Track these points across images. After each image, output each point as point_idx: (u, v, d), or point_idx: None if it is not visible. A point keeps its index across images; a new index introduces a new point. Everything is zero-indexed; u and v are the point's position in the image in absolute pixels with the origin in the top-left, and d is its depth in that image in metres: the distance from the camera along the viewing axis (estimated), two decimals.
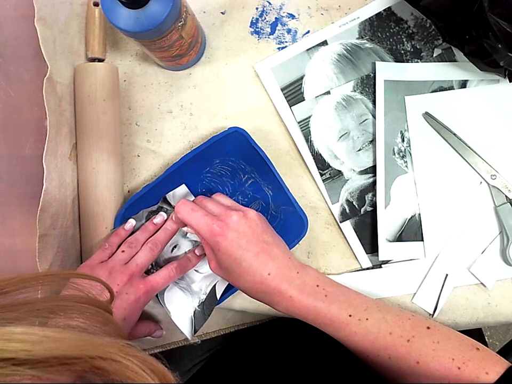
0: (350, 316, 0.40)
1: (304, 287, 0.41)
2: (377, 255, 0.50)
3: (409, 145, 0.50)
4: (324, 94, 0.52)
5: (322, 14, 0.53)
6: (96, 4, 0.52)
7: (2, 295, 0.23)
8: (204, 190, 0.52)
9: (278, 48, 0.53)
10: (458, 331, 0.41)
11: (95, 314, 0.27)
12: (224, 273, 0.43)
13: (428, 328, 0.40)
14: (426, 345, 0.38)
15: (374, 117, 0.51)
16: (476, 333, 0.61)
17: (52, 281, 0.28)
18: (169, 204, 0.51)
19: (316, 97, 0.52)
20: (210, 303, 0.49)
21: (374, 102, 0.51)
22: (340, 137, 0.52)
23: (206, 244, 0.43)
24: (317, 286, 0.41)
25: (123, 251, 0.47)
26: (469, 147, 0.49)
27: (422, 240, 0.50)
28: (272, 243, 0.42)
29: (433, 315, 0.50)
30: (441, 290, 0.50)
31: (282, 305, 0.41)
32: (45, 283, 0.27)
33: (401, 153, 0.51)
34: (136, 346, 0.23)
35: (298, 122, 0.52)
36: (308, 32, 0.53)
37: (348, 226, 0.51)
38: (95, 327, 0.26)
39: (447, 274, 0.50)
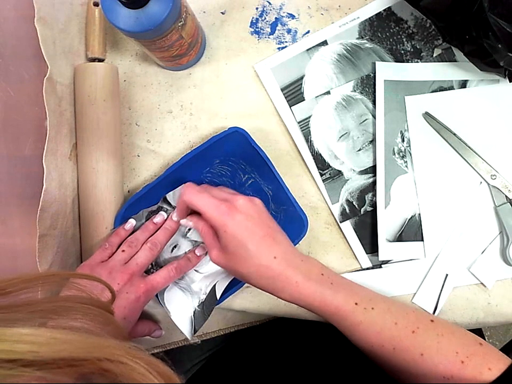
0: (356, 304, 0.39)
1: (310, 274, 0.40)
2: (377, 255, 0.50)
3: (409, 145, 0.51)
4: (324, 94, 0.52)
5: (322, 14, 0.53)
6: (96, 4, 0.52)
7: (4, 296, 0.23)
8: None
9: (278, 48, 0.53)
10: None
11: (97, 315, 0.27)
12: (227, 260, 0.41)
13: (432, 321, 0.40)
14: (431, 338, 0.38)
15: (374, 117, 0.51)
16: (476, 333, 0.61)
17: (53, 282, 0.28)
18: (169, 204, 0.51)
19: (316, 97, 0.52)
20: (210, 303, 0.49)
21: (374, 102, 0.51)
22: (340, 137, 0.52)
23: (208, 230, 0.43)
24: (322, 274, 0.41)
25: (123, 251, 0.47)
26: (469, 147, 0.49)
27: (422, 240, 0.50)
28: (276, 229, 0.42)
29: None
30: (441, 290, 0.50)
31: (287, 292, 0.40)
32: (45, 283, 0.27)
33: (401, 153, 0.51)
34: (142, 349, 0.23)
35: (298, 122, 0.52)
36: (308, 32, 0.53)
37: (348, 226, 0.51)
38: (97, 328, 0.26)
39: (447, 274, 0.50)
